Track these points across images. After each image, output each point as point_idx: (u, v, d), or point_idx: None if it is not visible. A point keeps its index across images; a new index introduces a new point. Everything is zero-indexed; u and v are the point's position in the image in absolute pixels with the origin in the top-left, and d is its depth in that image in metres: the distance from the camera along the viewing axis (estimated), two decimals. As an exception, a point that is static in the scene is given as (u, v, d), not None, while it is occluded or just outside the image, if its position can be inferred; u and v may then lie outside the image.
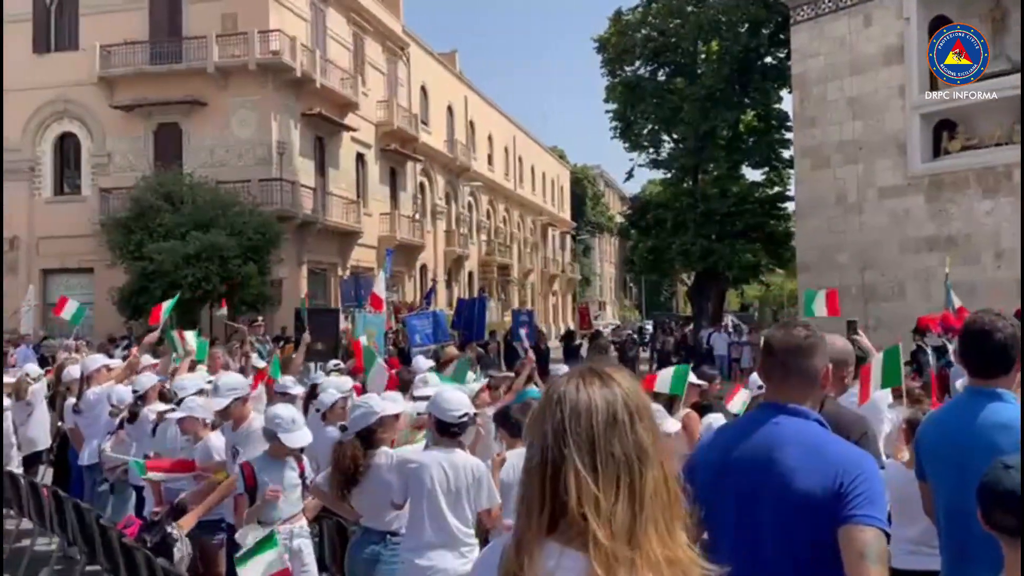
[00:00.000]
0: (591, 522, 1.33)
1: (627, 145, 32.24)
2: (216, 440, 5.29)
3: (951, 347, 10.39)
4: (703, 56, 30.51)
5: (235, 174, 25.64)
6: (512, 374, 7.86)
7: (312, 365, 11.21)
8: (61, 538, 6.31)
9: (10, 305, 24.62)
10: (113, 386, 6.85)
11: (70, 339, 13.27)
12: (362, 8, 31.99)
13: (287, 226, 25.29)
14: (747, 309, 59.47)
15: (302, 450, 4.88)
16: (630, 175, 50.34)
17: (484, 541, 4.04)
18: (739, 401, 6.16)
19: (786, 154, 29.48)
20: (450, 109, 41.95)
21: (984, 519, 1.94)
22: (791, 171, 26.65)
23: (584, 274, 68.95)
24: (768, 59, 29.54)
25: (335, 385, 6.18)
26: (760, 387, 4.85)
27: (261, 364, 10.01)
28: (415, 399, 5.76)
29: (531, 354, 7.86)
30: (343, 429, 4.84)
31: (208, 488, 5.03)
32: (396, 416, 4.52)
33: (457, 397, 4.20)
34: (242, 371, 8.88)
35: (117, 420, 6.43)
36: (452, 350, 9.50)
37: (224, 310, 17.97)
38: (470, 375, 7.73)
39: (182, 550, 4.61)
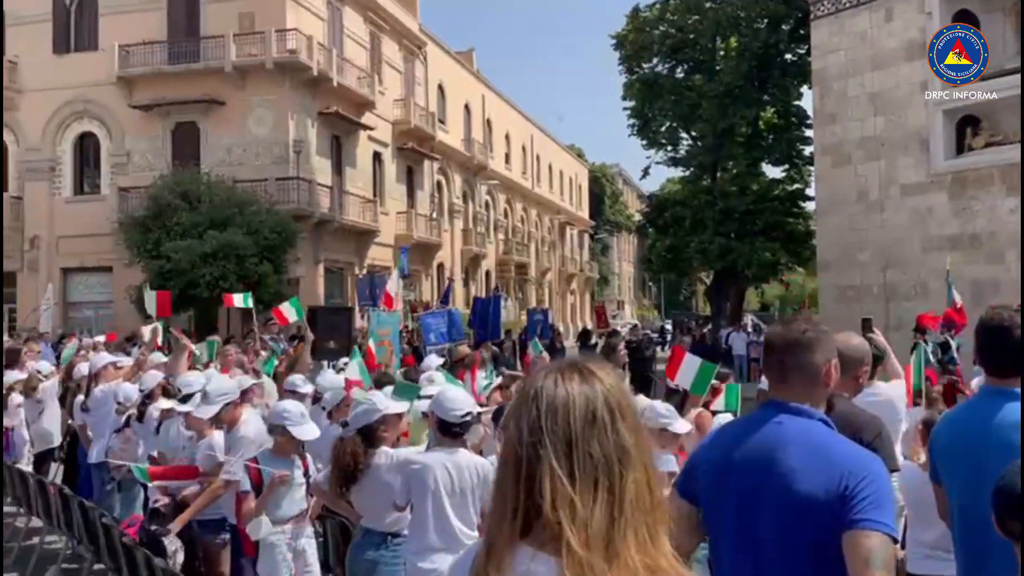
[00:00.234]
0: (565, 528, 1.24)
1: (645, 142, 32.06)
2: (219, 439, 5.24)
3: (954, 344, 10.24)
4: (721, 52, 30.26)
5: (252, 173, 25.74)
6: (522, 374, 7.76)
7: (325, 364, 11.18)
8: (68, 536, 6.29)
9: (30, 303, 24.89)
10: (120, 384, 6.83)
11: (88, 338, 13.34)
12: (379, 7, 32.01)
13: (304, 225, 25.35)
14: (767, 309, 59.02)
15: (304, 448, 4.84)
16: (646, 172, 49.95)
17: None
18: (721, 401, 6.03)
19: (806, 151, 29.20)
20: (467, 108, 41.91)
21: (998, 524, 1.82)
22: (811, 168, 26.36)
23: (603, 273, 68.73)
24: (788, 55, 29.24)
25: (331, 382, 6.14)
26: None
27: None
28: (420, 397, 5.68)
29: (545, 355, 7.75)
30: (344, 426, 4.78)
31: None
32: (399, 415, 4.43)
33: (459, 396, 4.11)
34: (254, 370, 8.93)
35: (123, 418, 6.40)
36: (464, 348, 9.42)
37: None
38: (480, 374, 7.65)
39: (175, 542, 4.59)
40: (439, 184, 38.56)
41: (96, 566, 5.98)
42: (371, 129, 30.87)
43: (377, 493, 4.18)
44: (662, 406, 5.52)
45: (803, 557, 2.13)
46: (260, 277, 21.77)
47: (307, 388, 6.97)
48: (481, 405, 5.63)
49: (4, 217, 27.61)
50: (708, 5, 29.46)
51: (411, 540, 4.06)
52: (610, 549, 1.25)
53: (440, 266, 37.52)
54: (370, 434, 4.24)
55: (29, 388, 8.22)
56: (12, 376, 9.00)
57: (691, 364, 6.00)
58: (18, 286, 27.91)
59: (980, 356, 2.87)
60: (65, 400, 8.30)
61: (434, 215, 36.62)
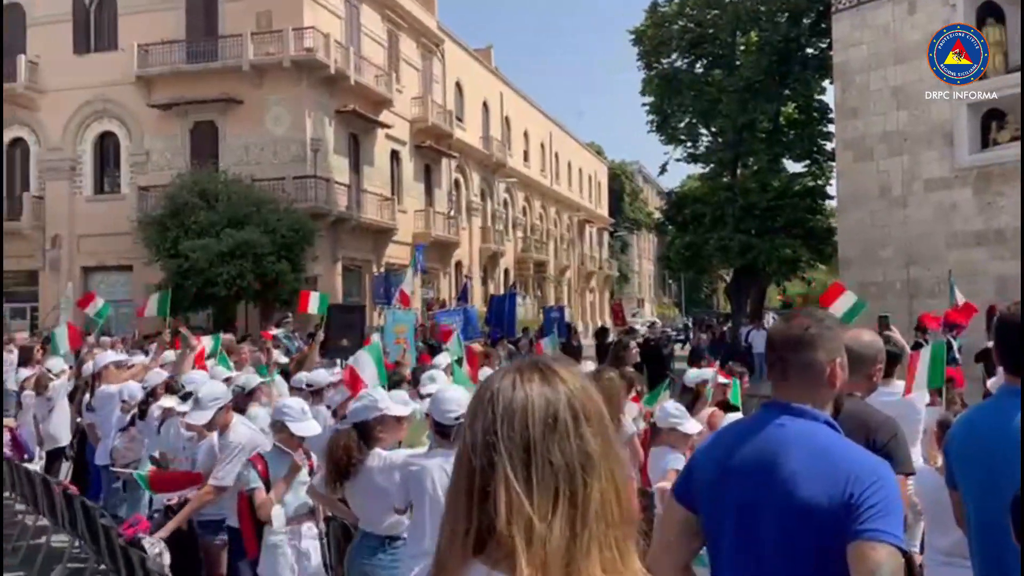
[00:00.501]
0: (518, 548, 1.11)
1: (663, 139, 31.77)
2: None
3: (955, 343, 10.06)
4: (742, 47, 29.92)
5: (270, 171, 25.80)
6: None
7: (340, 362, 11.14)
8: (73, 536, 6.27)
9: (52, 302, 25.10)
10: (127, 383, 6.80)
11: (100, 337, 13.36)
12: (396, 4, 31.99)
13: (321, 223, 25.37)
14: (789, 306, 58.51)
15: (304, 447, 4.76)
16: (664, 169, 49.67)
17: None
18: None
19: (828, 147, 28.80)
20: (485, 105, 41.82)
21: (1016, 534, 1.68)
22: (832, 164, 26.00)
23: (622, 271, 68.44)
24: (809, 49, 28.83)
25: (322, 378, 6.10)
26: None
27: (284, 360, 9.96)
28: (422, 397, 5.58)
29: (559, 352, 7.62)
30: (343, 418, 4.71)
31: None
32: (399, 419, 4.28)
33: (455, 397, 3.99)
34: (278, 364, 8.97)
35: (128, 417, 6.36)
36: (475, 346, 9.31)
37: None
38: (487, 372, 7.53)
39: (157, 544, 4.53)
40: (457, 182, 38.50)
41: (101, 566, 5.93)
42: (389, 127, 30.86)
43: (371, 496, 4.08)
44: (672, 405, 5.41)
45: (805, 565, 2.02)
46: (277, 276, 21.82)
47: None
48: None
49: (26, 216, 27.93)
50: (727, -1, 29.18)
51: (410, 544, 3.96)
52: (571, 567, 1.13)
53: (458, 264, 37.46)
54: (366, 431, 4.12)
55: (40, 386, 8.21)
56: (24, 374, 9.03)
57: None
58: (40, 285, 28.18)
59: (999, 355, 2.72)
60: (74, 398, 8.29)
61: (452, 213, 36.56)
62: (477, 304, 26.56)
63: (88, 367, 7.63)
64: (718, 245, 28.83)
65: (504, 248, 42.84)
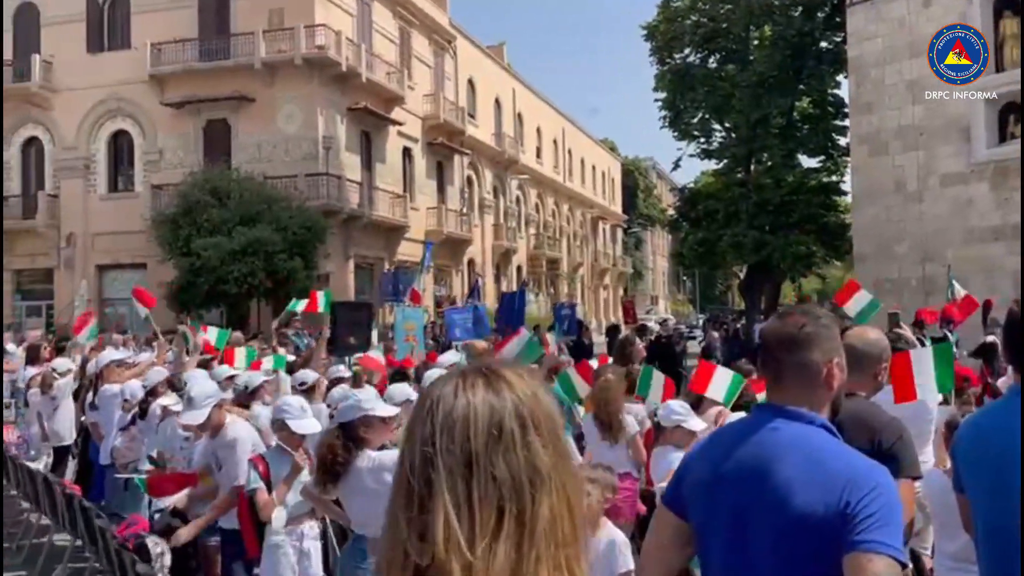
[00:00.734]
0: None
1: (676, 134, 31.59)
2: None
3: (952, 339, 9.89)
4: (755, 42, 29.71)
5: (282, 169, 25.83)
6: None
7: (347, 359, 11.10)
8: (73, 535, 6.24)
9: (66, 300, 25.23)
10: (130, 382, 6.77)
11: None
12: (408, 1, 31.94)
13: (333, 221, 25.38)
14: (804, 303, 58.08)
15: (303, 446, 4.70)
16: (676, 165, 49.40)
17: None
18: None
19: (842, 142, 28.54)
20: (498, 102, 41.71)
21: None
22: (847, 159, 25.75)
23: (636, 268, 68.16)
24: (823, 43, 28.61)
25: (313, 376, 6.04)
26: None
27: (290, 358, 9.90)
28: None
29: (552, 348, 7.53)
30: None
31: (204, 492, 4.88)
32: (384, 420, 4.15)
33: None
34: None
35: (129, 416, 6.32)
36: (481, 344, 9.23)
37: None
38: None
39: (160, 544, 4.48)
40: (469, 179, 38.43)
41: (100, 565, 5.90)
42: (401, 124, 30.83)
43: (361, 497, 3.99)
44: (677, 404, 5.31)
45: (800, 573, 1.92)
46: (289, 273, 21.83)
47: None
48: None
49: (41, 215, 28.11)
50: (740, -7, 28.93)
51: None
52: None
53: (471, 261, 37.40)
54: (351, 432, 4.03)
55: (45, 385, 8.20)
56: (31, 372, 9.03)
57: (723, 377, 5.73)
58: (55, 283, 28.36)
59: (1007, 353, 2.61)
60: (79, 396, 8.28)
61: (464, 210, 36.50)
62: (489, 302, 26.45)
63: (92, 366, 7.60)
64: (732, 241, 28.65)
65: (516, 245, 42.74)
